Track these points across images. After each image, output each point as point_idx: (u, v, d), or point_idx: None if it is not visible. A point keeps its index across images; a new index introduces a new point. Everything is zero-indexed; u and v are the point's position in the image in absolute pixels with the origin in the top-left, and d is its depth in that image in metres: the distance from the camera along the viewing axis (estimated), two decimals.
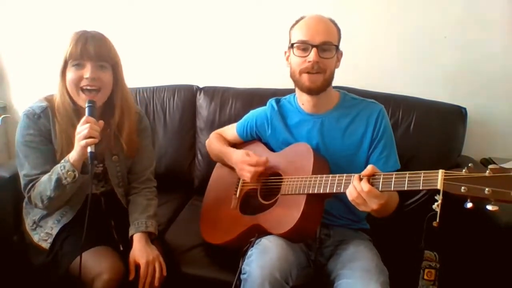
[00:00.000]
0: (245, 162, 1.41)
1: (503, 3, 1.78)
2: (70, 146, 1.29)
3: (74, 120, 1.32)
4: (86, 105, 1.28)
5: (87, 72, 1.28)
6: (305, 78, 1.31)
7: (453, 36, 1.85)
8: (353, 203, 1.12)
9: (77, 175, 1.25)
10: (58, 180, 1.25)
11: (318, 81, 1.31)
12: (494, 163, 1.80)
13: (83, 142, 1.21)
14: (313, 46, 1.28)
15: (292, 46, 1.32)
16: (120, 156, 1.44)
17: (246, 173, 1.40)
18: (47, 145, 1.34)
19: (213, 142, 1.65)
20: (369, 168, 1.12)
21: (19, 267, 1.48)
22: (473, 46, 1.84)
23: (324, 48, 1.29)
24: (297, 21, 1.36)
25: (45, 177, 1.29)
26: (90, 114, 1.26)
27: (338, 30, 1.35)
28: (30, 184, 1.32)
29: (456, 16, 1.83)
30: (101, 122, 1.27)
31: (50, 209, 1.36)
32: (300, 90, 1.38)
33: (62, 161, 1.27)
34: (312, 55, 1.27)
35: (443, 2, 1.84)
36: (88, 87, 1.29)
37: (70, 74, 1.29)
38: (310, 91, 1.34)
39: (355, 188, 1.10)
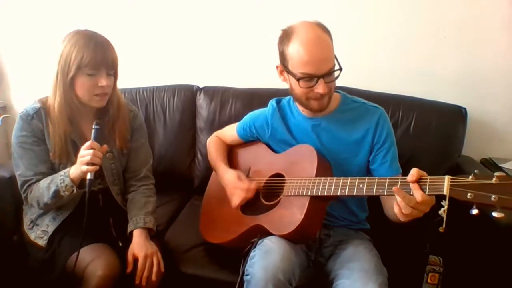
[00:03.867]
0: (237, 188, 1.41)
1: (503, 3, 1.78)
2: (63, 147, 1.34)
3: (67, 120, 1.35)
4: (93, 127, 1.30)
5: (102, 81, 1.30)
6: (313, 103, 1.29)
7: (453, 36, 1.86)
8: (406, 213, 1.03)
9: (75, 190, 1.29)
10: (56, 191, 1.29)
11: (326, 102, 1.30)
12: (494, 163, 1.80)
13: (85, 168, 1.24)
14: (319, 77, 1.22)
15: (297, 79, 1.23)
16: (115, 153, 1.46)
17: (237, 198, 1.40)
18: (40, 146, 1.36)
19: (211, 150, 1.64)
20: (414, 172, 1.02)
21: (19, 267, 1.48)
22: (473, 46, 1.84)
23: (329, 74, 1.24)
24: (288, 37, 1.24)
25: (44, 184, 1.32)
26: (95, 138, 1.28)
27: (331, 39, 1.26)
28: (26, 185, 1.35)
29: (456, 16, 1.83)
30: (105, 146, 1.30)
31: (45, 210, 1.40)
32: (305, 108, 1.36)
33: (62, 173, 1.30)
34: (321, 87, 1.22)
35: (443, 2, 1.84)
36: (102, 94, 1.32)
37: (84, 82, 1.29)
38: (318, 112, 1.34)
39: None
